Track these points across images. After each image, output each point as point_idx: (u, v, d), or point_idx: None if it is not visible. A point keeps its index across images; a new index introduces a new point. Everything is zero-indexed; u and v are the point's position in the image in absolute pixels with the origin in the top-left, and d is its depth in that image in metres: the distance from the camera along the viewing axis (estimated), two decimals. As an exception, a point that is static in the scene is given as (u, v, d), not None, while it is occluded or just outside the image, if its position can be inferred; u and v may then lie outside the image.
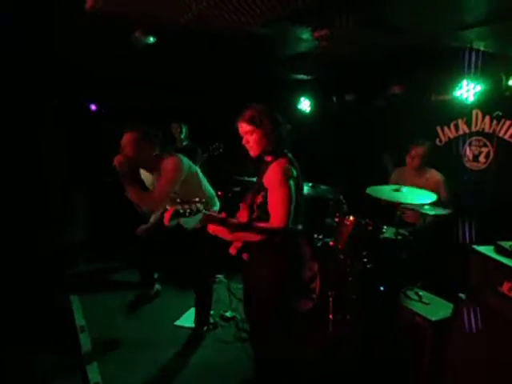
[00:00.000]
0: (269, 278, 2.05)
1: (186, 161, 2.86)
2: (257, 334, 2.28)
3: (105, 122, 5.01)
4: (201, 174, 3.07)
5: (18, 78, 4.33)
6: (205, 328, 3.22)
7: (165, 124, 4.64)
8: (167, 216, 1.78)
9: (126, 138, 2.73)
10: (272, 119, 2.02)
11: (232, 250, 2.14)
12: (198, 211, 1.79)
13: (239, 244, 2.11)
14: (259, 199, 1.99)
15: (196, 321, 3.23)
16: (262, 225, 1.97)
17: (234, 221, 2.01)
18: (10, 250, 4.20)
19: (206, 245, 2.92)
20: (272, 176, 1.94)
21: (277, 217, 1.92)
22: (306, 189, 3.96)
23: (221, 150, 4.28)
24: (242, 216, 2.09)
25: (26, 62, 4.04)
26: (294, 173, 1.98)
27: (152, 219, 3.40)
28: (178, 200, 1.76)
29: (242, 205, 2.14)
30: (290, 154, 2.07)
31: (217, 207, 3.19)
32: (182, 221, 2.96)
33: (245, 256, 2.14)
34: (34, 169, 4.59)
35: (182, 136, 4.45)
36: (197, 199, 1.80)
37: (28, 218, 4.57)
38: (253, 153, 2.07)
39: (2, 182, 4.36)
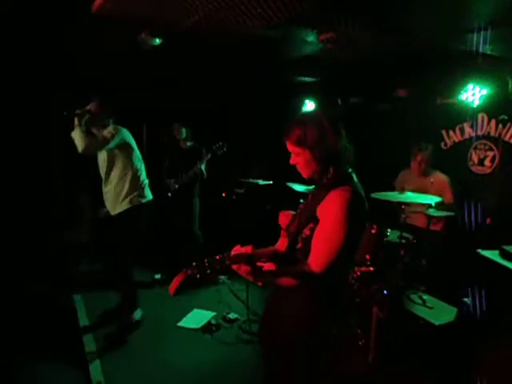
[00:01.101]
0: (297, 320, 1.59)
1: (125, 131, 3.24)
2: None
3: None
4: (138, 156, 3.34)
5: (26, 78, 4.37)
6: (134, 316, 3.28)
7: (168, 124, 4.66)
8: (175, 285, 1.53)
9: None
10: (328, 132, 1.55)
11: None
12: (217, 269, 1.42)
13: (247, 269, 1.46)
14: (307, 232, 1.53)
15: (122, 311, 3.29)
16: (294, 268, 1.52)
17: (264, 263, 1.46)
18: (16, 249, 4.23)
19: (127, 231, 3.23)
20: (330, 208, 1.48)
21: (317, 258, 1.48)
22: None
23: (224, 149, 4.30)
24: (282, 245, 1.70)
25: (32, 62, 4.07)
26: (361, 206, 1.52)
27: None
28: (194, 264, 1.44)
29: (283, 232, 1.74)
30: (355, 177, 1.61)
31: (147, 198, 3.32)
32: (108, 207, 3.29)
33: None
34: (41, 169, 4.63)
35: (183, 137, 4.46)
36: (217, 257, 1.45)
37: (34, 219, 4.60)
38: (304, 175, 1.63)
39: (10, 183, 4.39)
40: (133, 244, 3.28)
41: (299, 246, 1.58)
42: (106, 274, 4.35)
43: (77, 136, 2.99)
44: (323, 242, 1.48)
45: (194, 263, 1.44)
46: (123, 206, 3.21)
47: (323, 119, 1.57)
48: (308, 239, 1.53)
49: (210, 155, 4.26)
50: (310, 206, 1.61)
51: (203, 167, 4.28)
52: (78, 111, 3.02)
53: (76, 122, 3.02)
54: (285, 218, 1.83)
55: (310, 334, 1.57)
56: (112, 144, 3.08)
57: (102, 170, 3.27)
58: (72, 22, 2.97)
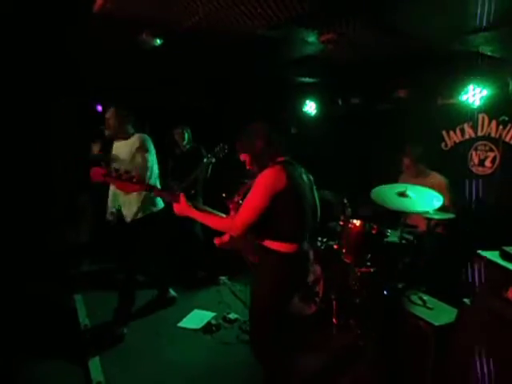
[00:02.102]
0: (268, 287, 2.11)
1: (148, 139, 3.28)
2: (256, 343, 2.25)
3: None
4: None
5: (27, 78, 4.37)
6: (124, 330, 3.18)
7: (170, 126, 4.67)
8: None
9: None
10: (257, 138, 2.16)
11: (216, 241, 2.34)
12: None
13: (226, 239, 2.26)
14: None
15: (114, 319, 3.21)
16: (220, 218, 2.23)
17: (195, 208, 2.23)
18: (16, 249, 4.23)
19: (141, 240, 3.23)
20: (256, 181, 2.02)
21: (238, 215, 2.02)
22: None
23: (226, 151, 4.29)
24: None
25: (34, 62, 4.07)
26: (278, 177, 1.99)
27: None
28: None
29: (229, 204, 2.40)
30: (287, 159, 2.15)
31: (159, 206, 3.33)
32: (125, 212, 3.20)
33: (255, 259, 2.21)
34: (42, 170, 4.64)
35: (185, 142, 4.49)
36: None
37: (34, 219, 4.61)
38: (256, 172, 2.13)
39: (10, 183, 4.40)
40: (142, 252, 3.27)
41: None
42: (106, 273, 4.37)
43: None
44: (244, 204, 2.01)
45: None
46: (138, 214, 3.17)
47: (251, 131, 2.22)
48: None
49: (213, 159, 4.25)
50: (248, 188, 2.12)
51: (208, 168, 4.30)
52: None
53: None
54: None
55: (278, 294, 2.10)
56: (150, 162, 3.20)
57: None
58: (73, 22, 2.97)
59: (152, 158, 3.23)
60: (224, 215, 2.30)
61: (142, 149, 3.16)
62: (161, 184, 3.46)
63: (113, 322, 3.21)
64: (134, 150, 3.14)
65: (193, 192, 4.27)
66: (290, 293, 2.22)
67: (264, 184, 1.97)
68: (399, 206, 2.88)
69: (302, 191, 2.09)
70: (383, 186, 3.16)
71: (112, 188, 3.28)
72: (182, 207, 2.20)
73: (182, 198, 2.21)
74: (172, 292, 3.80)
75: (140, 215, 3.18)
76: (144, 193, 3.10)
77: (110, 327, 3.18)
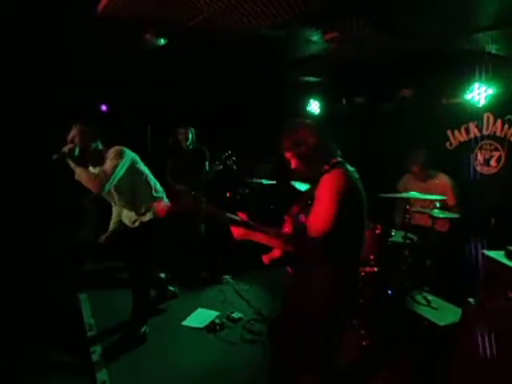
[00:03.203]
0: (322, 301, 1.83)
1: (128, 151, 3.00)
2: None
3: (113, 123, 5.06)
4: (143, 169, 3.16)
5: (30, 77, 4.40)
6: (142, 330, 3.14)
7: (173, 126, 4.69)
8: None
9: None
10: (308, 135, 1.87)
11: (265, 259, 1.97)
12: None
13: (276, 254, 1.92)
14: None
15: (132, 323, 3.16)
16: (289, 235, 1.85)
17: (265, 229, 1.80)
18: (21, 248, 4.26)
19: (148, 243, 3.15)
20: (322, 188, 1.75)
21: (315, 226, 1.71)
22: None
23: (234, 158, 4.30)
24: (287, 229, 1.92)
25: (37, 62, 4.10)
26: (349, 183, 1.77)
27: (111, 227, 3.37)
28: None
29: (286, 217, 1.97)
30: (344, 165, 1.88)
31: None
32: (125, 219, 3.19)
33: (289, 270, 1.97)
34: (45, 169, 4.65)
35: (188, 142, 4.50)
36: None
37: (38, 219, 4.63)
38: (304, 174, 1.95)
39: (13, 184, 4.43)
40: (145, 258, 3.20)
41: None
42: (111, 272, 4.39)
43: (83, 177, 2.80)
44: (318, 214, 1.72)
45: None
46: (135, 223, 3.15)
47: (300, 126, 1.93)
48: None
49: (221, 166, 4.27)
50: (310, 193, 1.88)
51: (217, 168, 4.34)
52: (64, 149, 2.76)
53: (71, 163, 2.81)
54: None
55: (326, 313, 1.82)
56: (119, 172, 2.85)
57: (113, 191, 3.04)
58: (77, 22, 2.98)
59: (122, 166, 2.90)
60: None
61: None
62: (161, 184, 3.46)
63: (132, 322, 3.17)
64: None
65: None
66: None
67: (335, 189, 1.71)
68: (406, 195, 3.04)
69: (362, 198, 1.83)
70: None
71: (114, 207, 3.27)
72: (243, 232, 1.81)
73: (244, 219, 1.85)
74: (171, 288, 3.78)
75: (136, 224, 3.14)
76: (138, 202, 3.08)
77: (129, 329, 3.15)
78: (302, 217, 1.83)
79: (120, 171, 2.86)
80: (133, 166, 2.99)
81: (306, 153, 1.87)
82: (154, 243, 3.24)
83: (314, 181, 1.93)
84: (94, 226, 5.04)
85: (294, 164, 1.92)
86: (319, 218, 1.71)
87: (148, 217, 3.12)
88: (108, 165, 2.83)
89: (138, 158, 3.09)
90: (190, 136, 4.51)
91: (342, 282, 1.82)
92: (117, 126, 4.97)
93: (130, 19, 2.85)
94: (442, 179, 3.54)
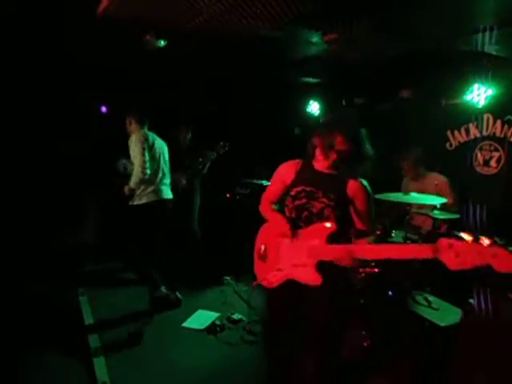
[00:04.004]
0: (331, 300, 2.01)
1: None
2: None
3: (115, 124, 5.07)
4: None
5: (30, 78, 4.40)
6: (162, 289, 3.64)
7: (171, 125, 4.70)
8: None
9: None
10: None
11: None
12: None
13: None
14: (344, 220, 1.97)
15: (149, 289, 3.65)
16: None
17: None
18: (22, 249, 4.26)
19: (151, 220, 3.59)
20: (362, 192, 1.97)
21: (366, 224, 1.99)
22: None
23: (226, 149, 4.36)
24: (323, 232, 1.91)
25: (35, 61, 4.10)
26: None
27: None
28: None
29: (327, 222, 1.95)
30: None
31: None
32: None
33: (315, 279, 1.89)
34: (47, 170, 4.66)
35: (187, 140, 4.56)
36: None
37: (39, 219, 4.63)
38: (328, 163, 1.95)
39: (16, 184, 4.43)
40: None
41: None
42: (111, 273, 4.39)
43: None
44: (368, 213, 1.97)
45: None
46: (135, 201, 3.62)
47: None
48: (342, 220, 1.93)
49: (215, 155, 4.32)
50: (330, 192, 1.95)
51: (207, 163, 4.44)
52: None
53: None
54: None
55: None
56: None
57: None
58: (78, 24, 2.99)
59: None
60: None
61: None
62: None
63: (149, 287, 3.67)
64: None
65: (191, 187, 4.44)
66: None
67: (371, 197, 2.01)
68: (404, 200, 2.99)
69: None
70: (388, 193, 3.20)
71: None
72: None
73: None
74: (163, 289, 3.77)
75: (137, 202, 3.58)
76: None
77: (150, 292, 3.64)
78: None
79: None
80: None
81: (350, 156, 1.92)
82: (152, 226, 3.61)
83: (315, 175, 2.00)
84: (95, 227, 5.06)
85: (334, 157, 1.90)
86: (368, 216, 1.97)
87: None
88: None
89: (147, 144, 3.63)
90: (190, 136, 4.56)
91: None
92: (117, 125, 4.98)
93: (130, 21, 2.85)
94: (438, 179, 3.54)
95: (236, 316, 3.47)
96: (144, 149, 3.54)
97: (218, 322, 3.38)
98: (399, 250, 1.74)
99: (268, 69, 4.51)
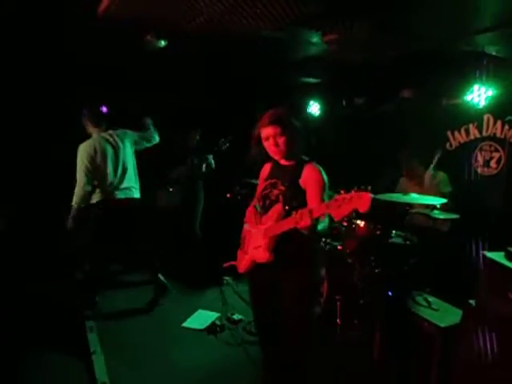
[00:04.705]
0: (301, 279, 2.09)
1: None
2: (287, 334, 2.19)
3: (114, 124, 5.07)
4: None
5: (30, 78, 4.40)
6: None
7: (173, 125, 4.71)
8: None
9: None
10: (296, 122, 2.12)
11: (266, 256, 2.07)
12: None
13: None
14: (295, 202, 2.02)
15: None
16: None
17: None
18: (23, 250, 4.26)
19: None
20: (313, 177, 2.05)
21: (317, 206, 1.93)
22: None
23: (227, 145, 4.39)
24: (276, 213, 2.07)
25: (35, 62, 4.10)
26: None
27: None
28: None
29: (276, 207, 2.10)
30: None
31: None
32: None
33: (267, 257, 2.05)
34: (48, 173, 4.65)
35: (195, 142, 4.60)
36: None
37: (43, 221, 4.63)
38: (278, 156, 2.14)
39: (17, 185, 4.43)
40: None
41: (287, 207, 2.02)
42: (112, 274, 4.38)
43: None
44: (318, 195, 2.00)
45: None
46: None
47: (290, 110, 2.16)
48: (298, 208, 1.89)
49: (216, 150, 4.42)
50: (289, 184, 2.08)
51: (211, 160, 4.48)
52: None
53: None
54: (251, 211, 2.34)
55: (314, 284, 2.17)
56: None
57: None
58: (79, 24, 2.99)
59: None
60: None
61: None
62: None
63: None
64: None
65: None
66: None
67: (324, 181, 2.04)
68: (403, 200, 2.99)
69: None
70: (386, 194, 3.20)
71: None
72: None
73: None
74: (162, 278, 3.81)
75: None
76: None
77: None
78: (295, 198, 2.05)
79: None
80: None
81: (295, 136, 2.08)
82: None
83: (274, 166, 2.24)
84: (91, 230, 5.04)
85: (279, 142, 2.06)
86: (319, 200, 1.96)
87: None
88: None
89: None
90: (198, 138, 4.61)
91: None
92: (117, 126, 4.98)
93: (130, 21, 2.85)
94: (426, 175, 3.58)
95: (236, 316, 3.48)
96: (87, 167, 3.40)
97: (218, 322, 3.38)
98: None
99: (268, 69, 4.51)
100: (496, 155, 3.63)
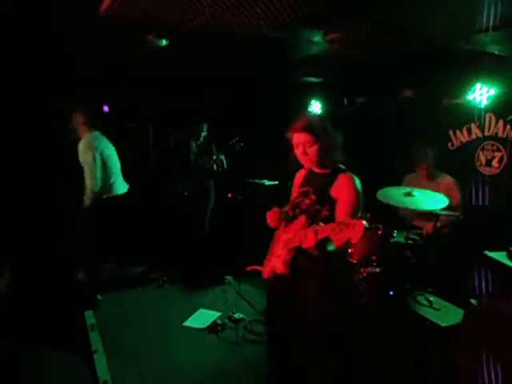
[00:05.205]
0: (321, 297, 1.99)
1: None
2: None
3: (115, 123, 5.07)
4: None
5: (30, 78, 4.40)
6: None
7: (173, 125, 4.73)
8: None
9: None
10: (331, 130, 2.03)
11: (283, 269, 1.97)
12: None
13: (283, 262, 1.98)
14: (326, 213, 1.92)
15: None
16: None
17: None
18: (23, 250, 4.26)
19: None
20: (345, 188, 1.93)
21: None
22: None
23: (241, 144, 4.39)
24: (299, 224, 1.98)
25: (35, 62, 4.10)
26: (361, 187, 1.97)
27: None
28: None
29: (300, 215, 2.02)
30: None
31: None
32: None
33: (283, 269, 1.98)
34: (49, 174, 4.66)
35: (202, 138, 4.61)
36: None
37: (43, 222, 4.63)
38: (309, 165, 2.07)
39: (18, 187, 4.43)
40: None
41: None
42: (113, 274, 4.39)
43: None
44: (347, 208, 1.87)
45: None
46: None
47: (323, 118, 2.11)
48: (327, 219, 1.84)
49: (228, 150, 4.41)
50: (319, 193, 1.98)
51: (224, 160, 4.49)
52: None
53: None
54: (273, 214, 2.23)
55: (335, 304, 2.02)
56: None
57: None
58: (80, 23, 2.99)
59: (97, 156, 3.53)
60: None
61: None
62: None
63: None
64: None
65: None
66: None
67: (356, 194, 1.91)
68: (405, 203, 2.92)
69: None
70: (390, 187, 3.16)
71: None
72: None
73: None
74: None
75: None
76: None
77: None
78: (323, 210, 1.93)
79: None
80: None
81: (329, 145, 1.98)
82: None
83: (308, 176, 2.15)
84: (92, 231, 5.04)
85: (310, 152, 1.97)
86: (348, 214, 1.83)
87: None
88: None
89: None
90: (205, 133, 4.62)
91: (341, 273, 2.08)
92: (118, 125, 5.00)
93: (132, 20, 2.85)
94: (447, 179, 3.53)
95: (237, 315, 3.48)
96: (94, 158, 3.47)
97: (219, 322, 3.39)
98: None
99: (270, 68, 4.51)
100: (498, 155, 3.62)
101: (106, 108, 5.34)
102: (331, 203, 1.93)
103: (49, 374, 2.69)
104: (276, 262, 2.01)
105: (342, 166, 2.05)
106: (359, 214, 1.63)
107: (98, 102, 5.24)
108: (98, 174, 3.52)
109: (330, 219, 1.85)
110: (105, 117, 5.31)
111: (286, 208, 2.20)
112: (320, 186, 2.00)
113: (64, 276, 4.24)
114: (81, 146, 3.54)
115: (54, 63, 4.22)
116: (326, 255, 1.90)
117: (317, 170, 2.09)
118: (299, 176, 2.26)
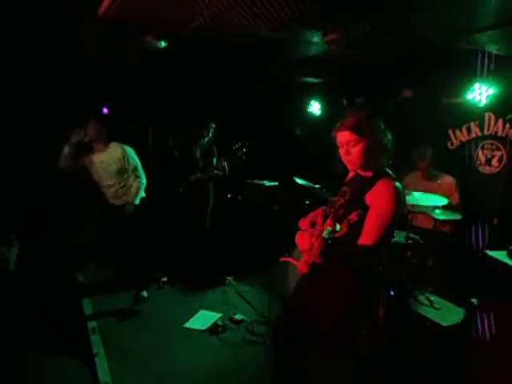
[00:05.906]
0: (338, 307, 1.88)
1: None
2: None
3: (115, 125, 5.08)
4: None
5: (30, 78, 4.41)
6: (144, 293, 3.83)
7: (173, 127, 4.73)
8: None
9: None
10: (379, 129, 1.90)
11: (304, 268, 1.80)
12: None
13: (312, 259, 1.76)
14: (355, 217, 1.68)
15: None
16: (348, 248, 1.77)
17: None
18: (25, 249, 4.26)
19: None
20: (381, 193, 1.75)
21: (372, 232, 1.71)
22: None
23: (244, 150, 4.37)
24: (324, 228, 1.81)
25: (36, 63, 4.11)
26: (402, 194, 1.78)
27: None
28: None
29: (329, 219, 1.86)
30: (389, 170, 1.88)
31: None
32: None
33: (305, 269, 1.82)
34: (48, 171, 4.66)
35: (206, 140, 4.60)
36: None
37: (42, 220, 4.64)
38: (352, 166, 1.91)
39: (17, 185, 4.43)
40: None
41: (343, 231, 1.64)
42: (114, 275, 4.39)
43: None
44: (377, 220, 1.70)
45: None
46: None
47: (371, 114, 1.90)
48: (355, 224, 1.66)
49: (230, 156, 4.37)
50: (354, 196, 1.85)
51: (225, 165, 4.43)
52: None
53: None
54: (301, 237, 1.88)
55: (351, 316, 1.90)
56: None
57: None
58: (79, 24, 2.99)
59: None
60: None
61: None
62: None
63: None
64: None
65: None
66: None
67: (392, 205, 1.71)
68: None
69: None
70: None
71: None
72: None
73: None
74: (145, 293, 3.87)
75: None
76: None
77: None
78: (352, 215, 1.69)
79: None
80: None
81: (374, 147, 1.83)
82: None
83: (350, 180, 2.00)
84: (97, 228, 5.05)
85: (349, 151, 1.84)
86: (378, 223, 1.70)
87: None
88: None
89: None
90: (209, 135, 4.60)
91: (366, 287, 1.88)
92: (118, 127, 5.00)
93: (131, 21, 2.86)
94: (447, 179, 3.54)
95: (238, 316, 3.47)
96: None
97: (220, 323, 3.38)
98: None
99: (269, 69, 4.51)
100: (497, 154, 3.62)
101: (105, 110, 5.34)
102: (364, 209, 1.75)
103: (50, 378, 2.68)
104: (302, 259, 1.84)
105: (388, 170, 1.88)
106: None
107: (97, 103, 5.25)
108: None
109: (359, 225, 1.70)
110: (104, 119, 5.32)
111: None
112: (358, 188, 1.87)
113: (65, 278, 4.24)
114: (120, 152, 3.70)
115: (53, 65, 4.22)
116: (355, 270, 1.82)
117: (360, 173, 1.94)
118: (349, 176, 2.11)
